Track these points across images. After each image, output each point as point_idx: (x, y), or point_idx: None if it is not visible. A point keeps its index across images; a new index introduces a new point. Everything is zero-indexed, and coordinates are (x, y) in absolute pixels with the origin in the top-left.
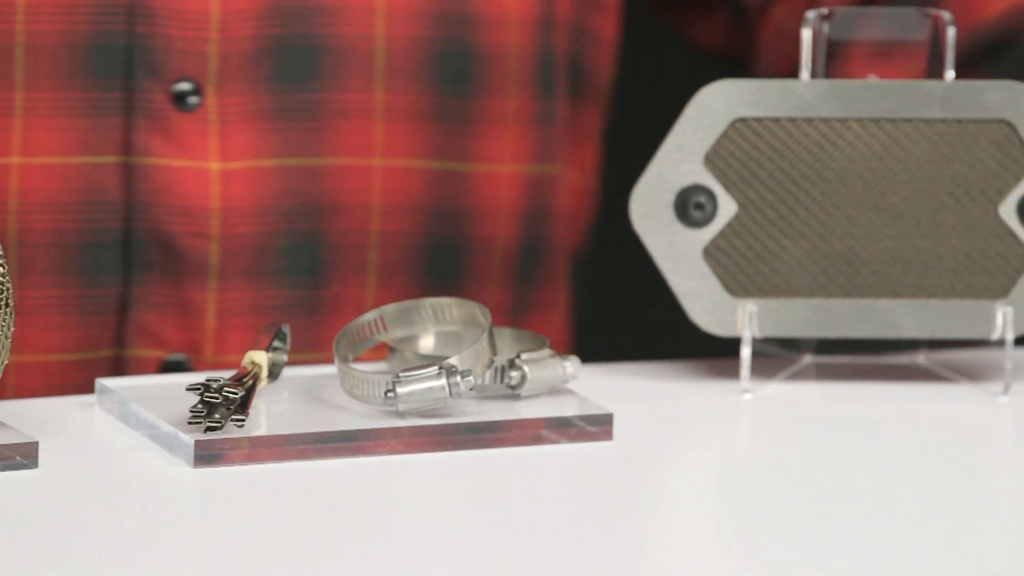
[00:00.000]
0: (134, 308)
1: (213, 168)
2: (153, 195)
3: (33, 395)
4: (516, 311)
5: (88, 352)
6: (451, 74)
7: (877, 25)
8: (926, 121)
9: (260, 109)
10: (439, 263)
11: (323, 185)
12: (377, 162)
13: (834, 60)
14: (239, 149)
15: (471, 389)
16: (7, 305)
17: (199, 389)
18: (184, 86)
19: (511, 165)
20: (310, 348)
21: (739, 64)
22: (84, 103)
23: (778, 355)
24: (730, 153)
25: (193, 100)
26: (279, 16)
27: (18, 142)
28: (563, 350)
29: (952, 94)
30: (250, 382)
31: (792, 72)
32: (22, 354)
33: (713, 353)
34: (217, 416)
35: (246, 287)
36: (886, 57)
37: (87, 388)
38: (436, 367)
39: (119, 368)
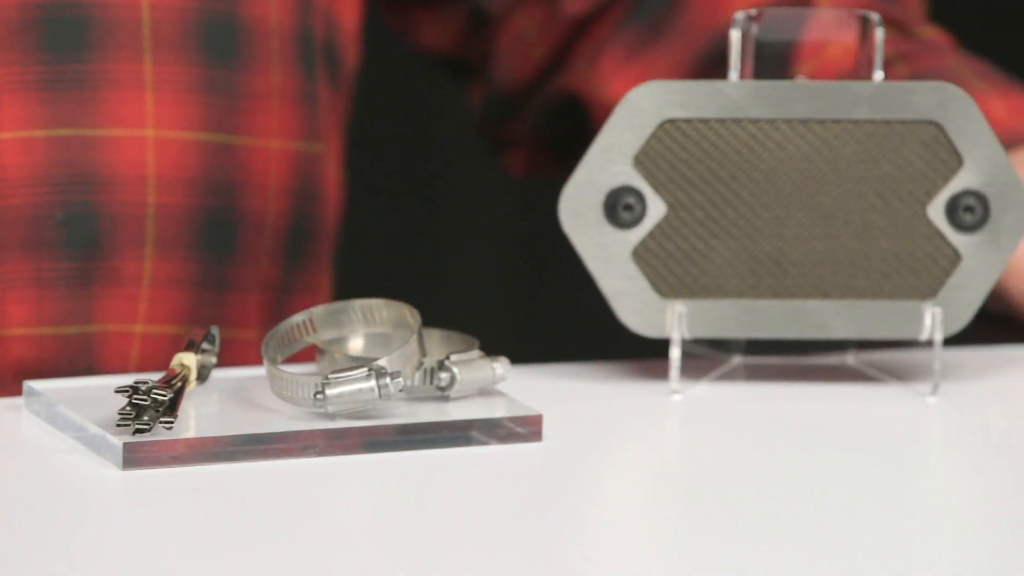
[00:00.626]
0: None
1: None
2: None
3: None
4: (282, 290)
5: None
6: (217, 46)
7: (805, 26)
8: (855, 122)
9: (28, 80)
10: (214, 237)
11: (96, 156)
12: (149, 133)
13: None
14: (11, 120)
15: (400, 391)
16: None
17: (127, 391)
18: None
19: (279, 141)
20: (87, 321)
21: (469, 69)
22: None
23: (707, 356)
24: (659, 154)
25: None
26: None
27: None
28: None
29: (881, 95)
30: (179, 384)
31: (528, 79)
32: None
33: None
34: (146, 418)
35: (24, 259)
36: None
37: None
38: (365, 369)
39: None
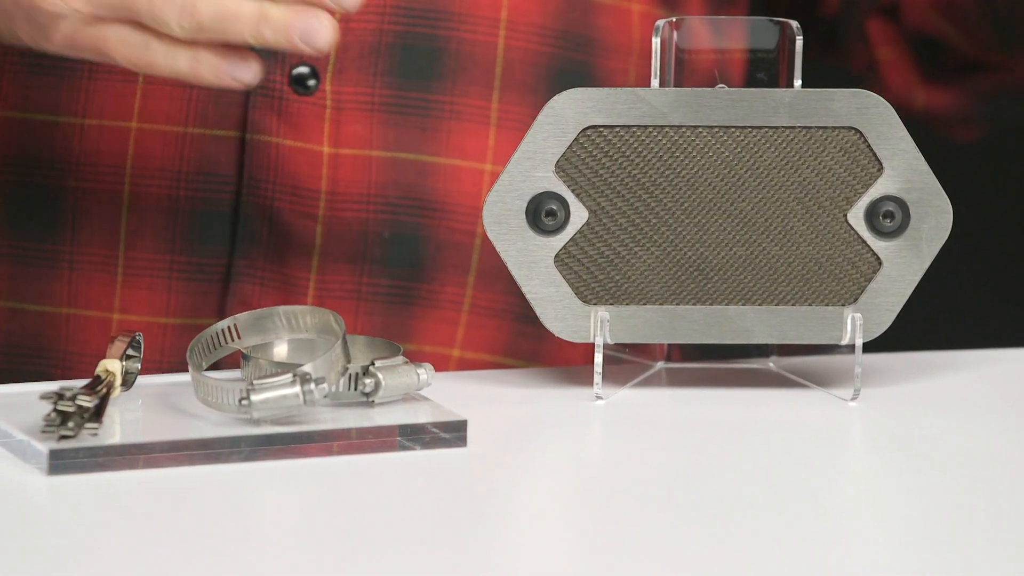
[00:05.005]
0: (237, 280)
1: (324, 151)
2: (264, 171)
3: None
4: None
5: (190, 319)
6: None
7: (726, 34)
8: (775, 128)
9: (375, 101)
10: None
11: (433, 183)
12: (488, 167)
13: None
14: (350, 136)
15: (325, 396)
16: None
17: (52, 398)
18: (302, 70)
19: None
20: (403, 339)
21: None
22: None
23: (630, 361)
24: (581, 160)
25: (311, 84)
26: (403, 14)
27: (137, 108)
28: None
29: (800, 102)
30: (104, 390)
31: None
32: (127, 314)
33: None
34: (71, 425)
35: (346, 271)
36: None
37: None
38: (290, 375)
39: None
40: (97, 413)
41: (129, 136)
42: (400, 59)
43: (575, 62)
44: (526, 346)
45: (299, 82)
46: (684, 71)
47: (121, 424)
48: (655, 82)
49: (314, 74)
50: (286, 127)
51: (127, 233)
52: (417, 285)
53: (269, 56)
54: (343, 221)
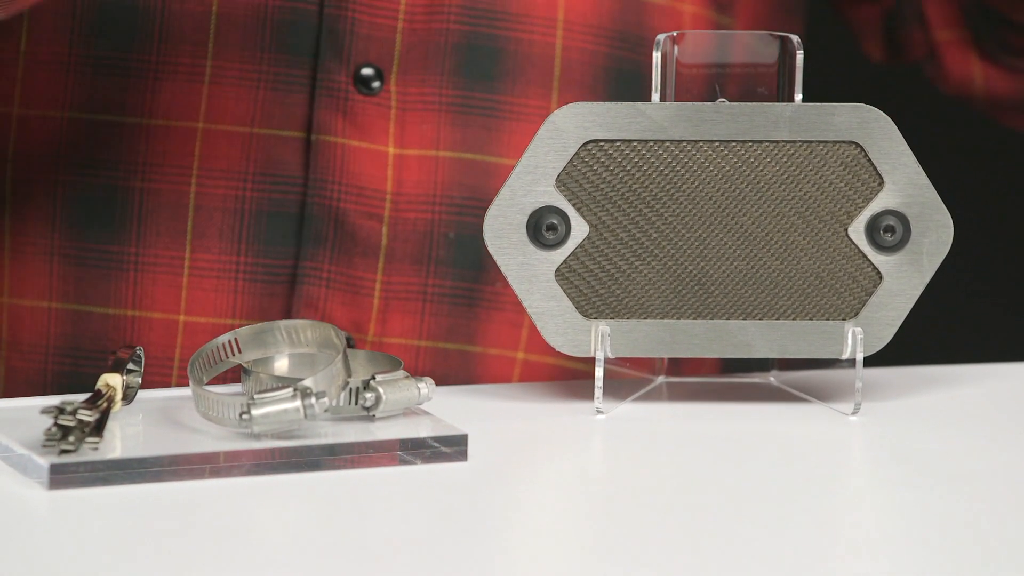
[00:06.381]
0: (303, 282)
1: (389, 152)
2: (330, 172)
3: None
4: None
5: (257, 320)
6: (620, 92)
7: (727, 48)
8: (776, 143)
9: (440, 101)
10: None
11: (496, 183)
12: None
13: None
14: (415, 137)
15: (326, 411)
16: None
17: (53, 412)
18: (367, 71)
19: None
20: (468, 341)
21: None
22: (271, 77)
23: (631, 375)
24: (582, 175)
25: (376, 85)
26: (468, 14)
27: (204, 108)
28: None
29: (801, 116)
30: (104, 405)
31: None
32: (193, 315)
33: None
34: (71, 439)
35: (412, 272)
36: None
37: None
38: (291, 389)
39: None
40: (98, 427)
41: (195, 136)
42: (464, 59)
43: (631, 62)
44: None
45: (364, 83)
46: (685, 85)
47: (122, 438)
48: (656, 96)
49: (379, 75)
50: (351, 127)
51: (193, 234)
52: (481, 287)
53: (334, 57)
54: (408, 222)
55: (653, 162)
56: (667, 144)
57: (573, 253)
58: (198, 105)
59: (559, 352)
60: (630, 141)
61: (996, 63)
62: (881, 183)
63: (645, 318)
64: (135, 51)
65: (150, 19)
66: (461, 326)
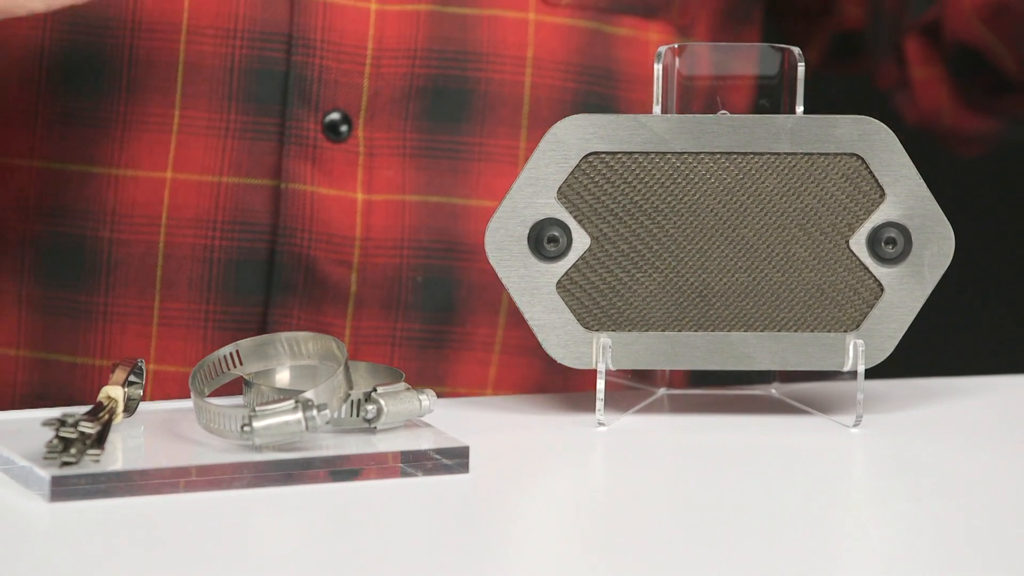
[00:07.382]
0: (273, 328)
1: (358, 198)
2: (299, 220)
3: None
4: None
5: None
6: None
7: (728, 60)
8: (777, 155)
9: (407, 145)
10: None
11: (464, 225)
12: None
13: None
14: (383, 182)
15: (327, 423)
16: None
17: (55, 424)
18: (334, 115)
19: None
20: (437, 381)
21: None
22: (239, 126)
23: (632, 387)
24: (583, 187)
25: (343, 129)
26: (434, 57)
27: (172, 158)
28: None
29: (802, 128)
30: (106, 417)
31: None
32: (162, 364)
33: None
34: (73, 451)
35: (380, 316)
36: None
37: None
38: (292, 401)
39: None
40: (99, 440)
41: (164, 186)
42: (430, 102)
43: (597, 95)
44: (558, 381)
45: (332, 128)
46: (686, 97)
47: (123, 450)
48: (657, 108)
49: (346, 120)
50: (320, 175)
51: (162, 284)
52: (450, 328)
53: (303, 104)
54: (377, 267)
55: (654, 174)
56: (668, 156)
57: (574, 265)
58: (166, 155)
59: (527, 387)
60: (631, 153)
61: (969, 102)
62: (882, 195)
63: (646, 330)
64: (103, 101)
65: (117, 69)
66: (430, 368)
